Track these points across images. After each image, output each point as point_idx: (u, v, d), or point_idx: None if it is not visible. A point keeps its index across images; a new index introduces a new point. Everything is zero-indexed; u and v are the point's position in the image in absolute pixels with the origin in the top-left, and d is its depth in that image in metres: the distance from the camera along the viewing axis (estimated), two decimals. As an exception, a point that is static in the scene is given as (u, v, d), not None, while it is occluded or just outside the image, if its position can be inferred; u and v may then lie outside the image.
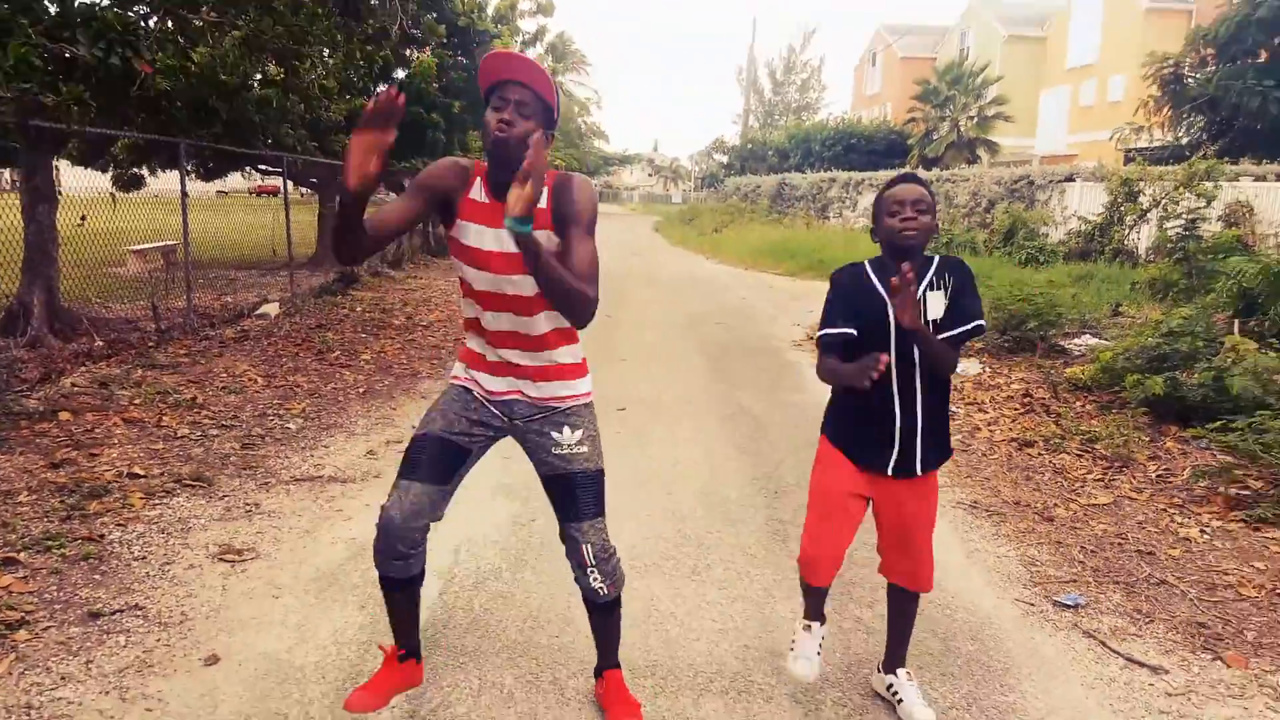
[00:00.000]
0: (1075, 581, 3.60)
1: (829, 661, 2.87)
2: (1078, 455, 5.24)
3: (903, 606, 2.64)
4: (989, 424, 5.96)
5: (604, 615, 2.51)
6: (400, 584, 2.38)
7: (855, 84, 49.10)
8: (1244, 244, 11.10)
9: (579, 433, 2.34)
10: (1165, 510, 4.41)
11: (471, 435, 2.36)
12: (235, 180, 18.94)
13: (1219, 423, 4.88)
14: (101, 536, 3.65)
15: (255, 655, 2.84)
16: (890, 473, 2.43)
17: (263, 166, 14.73)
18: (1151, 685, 2.85)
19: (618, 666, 2.61)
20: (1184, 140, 21.49)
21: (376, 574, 2.36)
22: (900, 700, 2.61)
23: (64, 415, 5.22)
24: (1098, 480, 4.83)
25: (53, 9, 6.60)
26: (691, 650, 2.97)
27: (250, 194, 25.91)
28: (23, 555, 3.41)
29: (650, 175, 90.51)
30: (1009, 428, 5.86)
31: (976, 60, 33.54)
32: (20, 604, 3.06)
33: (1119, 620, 3.29)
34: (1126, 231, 14.54)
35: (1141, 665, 2.96)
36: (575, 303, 2.07)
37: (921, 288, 2.34)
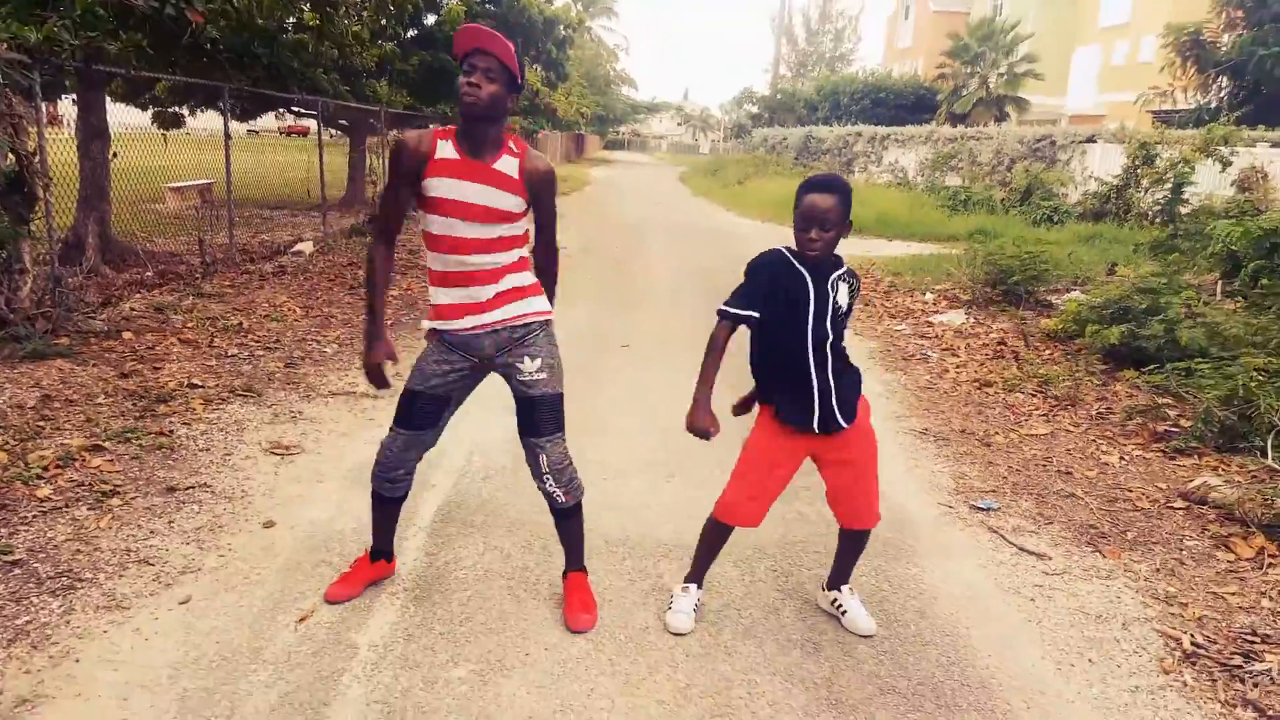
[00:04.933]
0: (995, 492, 4.21)
1: (768, 536, 3.50)
2: (1031, 395, 5.80)
3: (856, 541, 2.91)
4: (958, 367, 6.51)
5: (564, 519, 2.89)
6: (387, 501, 2.91)
7: (886, 37, 48.63)
8: (1256, 209, 11.36)
9: (538, 361, 2.71)
10: (1094, 441, 4.97)
11: (448, 383, 2.75)
12: (266, 120, 19.41)
13: (1152, 366, 5.41)
14: (171, 432, 4.34)
15: (304, 521, 3.52)
16: (818, 431, 2.70)
17: (296, 109, 15.23)
18: (1034, 568, 3.47)
19: (581, 570, 2.98)
20: (1212, 105, 21.40)
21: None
22: (845, 612, 2.92)
23: (127, 335, 5.91)
24: (1041, 415, 5.40)
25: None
26: (660, 530, 3.61)
27: (280, 134, 26.34)
28: (108, 444, 4.10)
29: (680, 124, 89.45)
30: (975, 371, 6.41)
31: (1009, 17, 33.21)
32: (110, 479, 3.76)
33: (1022, 521, 3.90)
34: (1142, 194, 14.73)
35: (1030, 553, 3.58)
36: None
37: (834, 278, 2.66)
